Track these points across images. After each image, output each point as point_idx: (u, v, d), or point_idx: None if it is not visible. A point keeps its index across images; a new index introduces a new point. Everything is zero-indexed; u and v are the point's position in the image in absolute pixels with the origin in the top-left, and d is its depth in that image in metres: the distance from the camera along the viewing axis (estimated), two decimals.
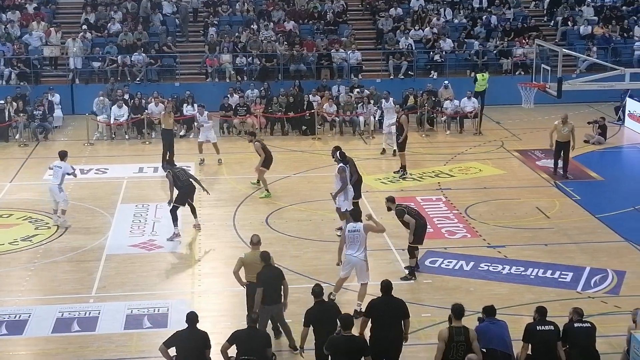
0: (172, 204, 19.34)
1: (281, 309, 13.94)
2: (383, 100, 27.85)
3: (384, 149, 26.59)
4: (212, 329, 13.87)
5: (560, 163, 23.92)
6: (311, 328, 12.79)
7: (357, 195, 19.58)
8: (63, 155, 20.46)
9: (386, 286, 12.91)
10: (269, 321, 14.05)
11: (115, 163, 26.04)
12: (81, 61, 32.83)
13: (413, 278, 17.08)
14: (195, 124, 26.55)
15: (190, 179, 19.69)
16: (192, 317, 12.35)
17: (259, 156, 22.48)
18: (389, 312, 12.68)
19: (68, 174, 20.32)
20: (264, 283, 13.69)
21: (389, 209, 17.41)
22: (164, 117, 25.31)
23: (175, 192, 19.44)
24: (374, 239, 19.02)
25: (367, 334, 12.77)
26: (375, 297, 13.15)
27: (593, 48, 33.93)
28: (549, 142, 24.07)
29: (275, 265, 14.35)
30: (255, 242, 14.55)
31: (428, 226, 18.21)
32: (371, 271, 17.08)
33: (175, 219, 19.40)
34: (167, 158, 24.68)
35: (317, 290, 13.07)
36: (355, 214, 15.95)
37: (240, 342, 12.26)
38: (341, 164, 18.86)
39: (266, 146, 23.01)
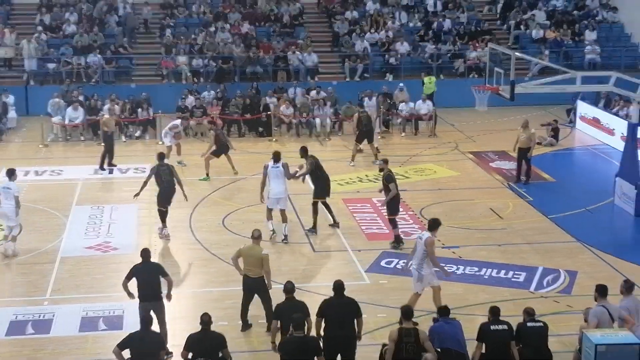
0: (157, 207, 19.34)
1: (160, 306, 13.94)
2: (366, 99, 28.07)
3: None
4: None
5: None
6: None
7: (322, 194, 20.00)
8: (11, 174, 18.60)
9: (338, 286, 13.03)
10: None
11: (70, 164, 25.83)
12: (36, 62, 32.53)
13: (401, 244, 18.61)
14: (171, 131, 25.45)
15: (174, 180, 19.44)
16: (145, 319, 12.35)
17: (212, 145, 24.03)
18: (341, 312, 12.79)
19: (15, 195, 18.25)
20: (136, 278, 13.92)
21: (381, 170, 19.13)
22: (106, 120, 25.18)
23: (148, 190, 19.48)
24: (330, 240, 19.19)
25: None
26: (328, 297, 13.25)
27: (545, 51, 34.38)
28: (512, 147, 24.49)
29: (154, 261, 14.48)
30: (255, 236, 14.85)
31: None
32: (327, 272, 17.20)
33: (163, 219, 19.38)
34: (107, 160, 24.89)
35: (288, 287, 13.25)
36: (433, 224, 15.49)
37: (194, 345, 12.26)
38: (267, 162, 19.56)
39: (223, 136, 24.31)
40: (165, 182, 19.25)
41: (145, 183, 19.42)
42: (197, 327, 12.81)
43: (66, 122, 28.68)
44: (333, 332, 12.73)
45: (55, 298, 16.40)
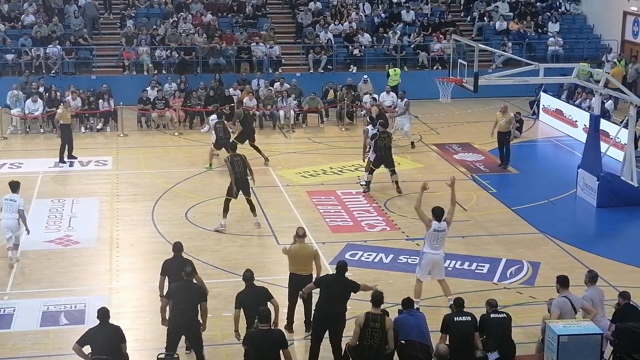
0: (225, 195, 19.27)
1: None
2: (398, 100, 27.97)
3: (412, 142, 27.08)
4: (130, 325, 13.75)
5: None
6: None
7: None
8: (15, 187, 17.85)
9: (341, 267, 13.42)
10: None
11: (30, 157, 25.48)
12: None
13: (368, 190, 21.59)
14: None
15: (247, 170, 19.33)
16: (103, 313, 12.06)
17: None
18: (338, 290, 13.13)
19: (20, 209, 17.45)
20: (168, 272, 13.71)
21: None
22: (62, 113, 24.88)
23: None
24: (295, 233, 19.08)
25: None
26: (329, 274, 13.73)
27: (508, 43, 34.53)
28: (476, 138, 24.68)
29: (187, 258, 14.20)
30: (300, 234, 14.63)
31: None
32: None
33: (225, 210, 19.20)
34: (67, 153, 24.58)
35: (247, 275, 13.21)
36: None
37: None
38: None
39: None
40: (238, 172, 19.11)
41: (231, 175, 19.05)
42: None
43: (25, 114, 28.28)
44: (325, 308, 13.05)
45: (15, 292, 16.16)
